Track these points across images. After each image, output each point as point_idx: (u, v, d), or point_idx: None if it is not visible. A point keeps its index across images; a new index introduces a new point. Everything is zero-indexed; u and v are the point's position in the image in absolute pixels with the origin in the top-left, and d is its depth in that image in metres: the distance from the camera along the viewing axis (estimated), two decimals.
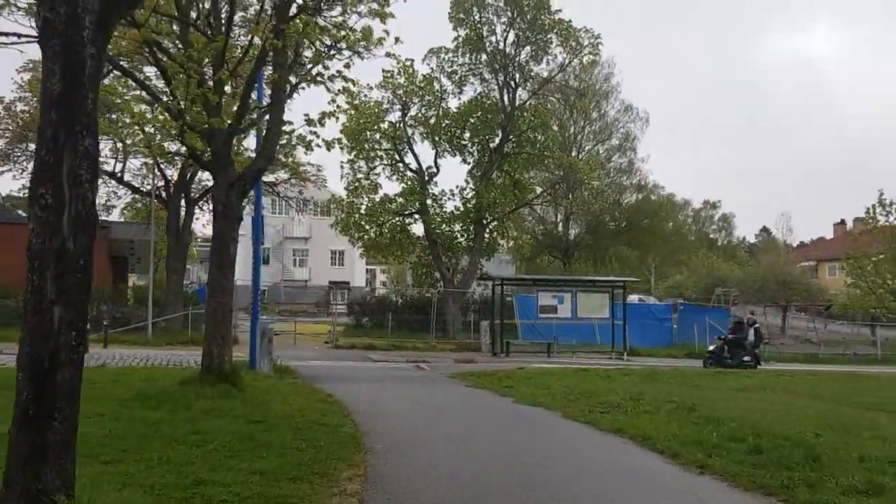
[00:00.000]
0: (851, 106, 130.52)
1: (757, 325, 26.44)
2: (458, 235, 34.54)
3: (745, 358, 24.92)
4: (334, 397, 12.20)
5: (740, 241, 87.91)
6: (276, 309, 59.35)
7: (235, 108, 11.34)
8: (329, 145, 12.23)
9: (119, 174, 29.27)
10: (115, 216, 33.00)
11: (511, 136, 33.84)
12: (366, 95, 33.55)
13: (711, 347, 25.98)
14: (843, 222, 76.31)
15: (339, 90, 12.48)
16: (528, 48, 33.61)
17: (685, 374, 18.59)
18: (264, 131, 11.38)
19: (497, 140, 34.10)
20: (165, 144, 18.96)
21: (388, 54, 12.80)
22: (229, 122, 11.01)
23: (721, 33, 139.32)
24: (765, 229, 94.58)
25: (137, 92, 12.19)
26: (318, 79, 12.59)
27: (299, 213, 31.78)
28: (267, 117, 11.51)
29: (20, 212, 42.68)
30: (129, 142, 25.44)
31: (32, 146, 26.32)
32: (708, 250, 68.67)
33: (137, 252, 36.43)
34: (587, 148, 52.30)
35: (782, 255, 59.83)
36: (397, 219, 34.49)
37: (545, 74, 35.16)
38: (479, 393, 14.40)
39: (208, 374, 11.02)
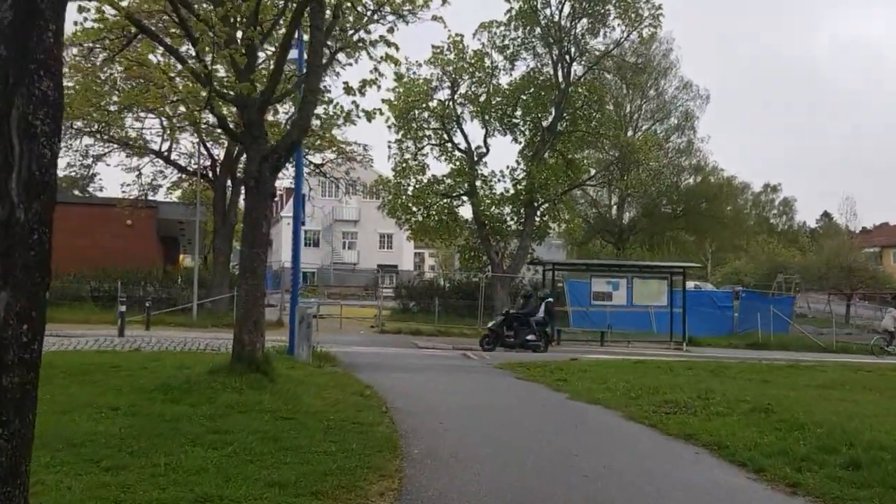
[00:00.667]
0: None
1: (550, 300, 22.70)
2: (508, 218, 33.41)
3: (530, 337, 21.50)
4: (373, 389, 11.29)
5: (800, 226, 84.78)
6: (325, 292, 59.43)
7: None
8: (370, 116, 11.28)
9: (166, 153, 28.82)
10: (160, 196, 32.62)
11: (565, 114, 32.48)
12: (414, 73, 32.76)
13: (491, 324, 22.48)
14: None
15: (381, 57, 11.50)
16: (584, 20, 32.09)
17: (754, 367, 17.25)
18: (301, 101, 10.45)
19: (550, 118, 32.78)
20: (200, 116, 18.15)
21: (434, 18, 11.82)
22: (261, 89, 10.09)
23: (780, 11, 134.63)
24: (826, 214, 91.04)
25: (165, 58, 11.36)
26: (360, 45, 11.64)
27: (347, 195, 30.91)
28: (303, 86, 10.59)
29: (76, 192, 42.85)
30: (173, 116, 24.97)
31: (78, 123, 26.24)
32: (767, 235, 66.29)
33: (188, 233, 36.16)
34: (644, 127, 50.43)
35: (846, 241, 57.30)
36: (445, 201, 33.50)
37: (602, 48, 33.59)
38: (531, 386, 13.36)
39: (239, 363, 10.19)
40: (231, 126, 10.55)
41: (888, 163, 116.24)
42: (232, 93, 9.91)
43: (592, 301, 27.46)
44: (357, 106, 11.17)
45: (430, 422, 9.10)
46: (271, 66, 11.26)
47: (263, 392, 9.31)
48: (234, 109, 12.25)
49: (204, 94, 9.78)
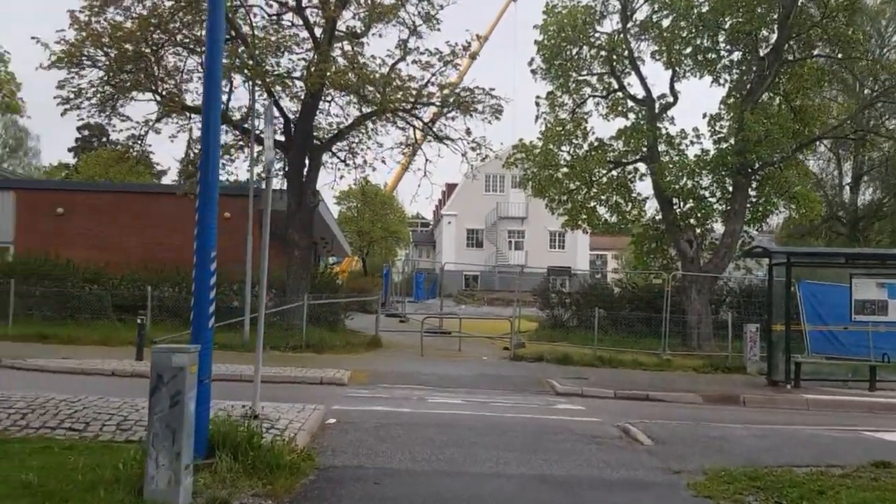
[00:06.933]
0: None
1: None
2: (707, 193, 23.17)
3: None
4: None
5: None
6: (484, 298, 52.66)
7: None
8: None
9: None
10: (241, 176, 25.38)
11: (793, 35, 21.79)
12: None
13: None
14: None
15: None
16: None
17: None
18: None
19: (771, 43, 22.24)
20: None
21: None
22: None
23: None
24: None
25: None
26: None
27: (470, 164, 21.99)
28: None
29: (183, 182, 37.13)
30: None
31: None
32: None
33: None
34: None
35: None
36: (615, 172, 23.95)
37: None
38: None
39: None
40: None
41: None
42: None
43: (854, 315, 16.88)
44: None
45: None
46: None
47: None
48: None
49: None
